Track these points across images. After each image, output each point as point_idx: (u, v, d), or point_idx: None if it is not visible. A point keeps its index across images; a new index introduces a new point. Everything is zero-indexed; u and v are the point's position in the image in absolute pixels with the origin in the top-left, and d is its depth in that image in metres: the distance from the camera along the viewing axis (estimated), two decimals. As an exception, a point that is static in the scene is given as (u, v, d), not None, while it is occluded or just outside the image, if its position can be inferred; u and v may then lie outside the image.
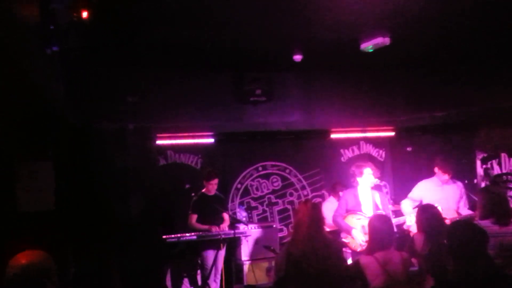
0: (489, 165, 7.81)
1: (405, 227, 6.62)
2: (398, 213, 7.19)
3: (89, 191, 5.79)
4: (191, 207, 7.19)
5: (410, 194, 6.92)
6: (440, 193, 6.60)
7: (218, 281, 7.16)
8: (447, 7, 4.95)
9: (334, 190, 7.90)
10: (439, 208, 5.66)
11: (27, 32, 3.31)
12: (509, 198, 5.16)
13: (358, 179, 6.47)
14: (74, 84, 5.28)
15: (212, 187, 7.20)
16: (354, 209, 6.41)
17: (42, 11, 3.49)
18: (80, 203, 5.68)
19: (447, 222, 5.85)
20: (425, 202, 6.47)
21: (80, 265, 5.55)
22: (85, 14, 4.00)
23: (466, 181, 7.76)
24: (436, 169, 6.76)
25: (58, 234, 5.30)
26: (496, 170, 7.77)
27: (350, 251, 6.51)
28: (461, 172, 7.54)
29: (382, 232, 4.52)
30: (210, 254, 7.05)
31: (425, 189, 6.78)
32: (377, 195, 6.49)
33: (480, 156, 7.92)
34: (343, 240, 6.49)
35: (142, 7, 4.68)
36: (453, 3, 4.86)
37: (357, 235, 6.17)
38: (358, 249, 6.24)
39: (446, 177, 6.66)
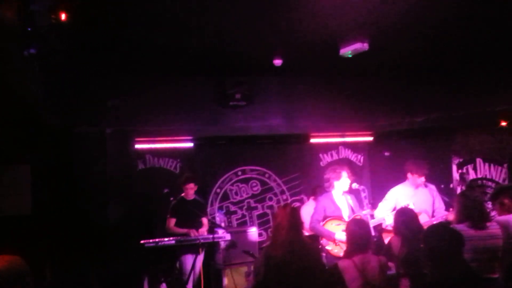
0: (464, 170, 7.93)
1: (384, 226, 6.65)
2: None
3: (67, 195, 5.73)
4: (170, 210, 7.17)
5: (385, 199, 6.94)
6: (413, 197, 6.66)
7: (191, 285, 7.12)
8: (425, 14, 5.02)
9: (314, 194, 7.91)
10: (411, 205, 5.78)
11: (5, 34, 3.27)
12: (484, 203, 5.23)
13: (336, 182, 6.47)
14: (53, 87, 5.23)
15: (188, 192, 7.18)
16: (334, 215, 6.41)
17: (21, 13, 3.46)
18: (58, 207, 5.61)
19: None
20: (399, 206, 6.51)
21: (57, 270, 5.48)
22: (63, 17, 3.98)
23: (442, 186, 7.87)
24: (408, 175, 6.78)
25: (35, 239, 5.23)
26: (472, 175, 7.89)
27: (327, 256, 6.49)
28: (437, 176, 7.64)
29: (360, 235, 4.55)
30: (188, 259, 7.02)
31: (399, 193, 6.83)
32: (349, 198, 6.53)
33: (456, 161, 8.04)
34: (326, 247, 6.45)
35: (123, 12, 4.67)
36: (431, 10, 4.93)
37: (342, 237, 6.12)
38: (341, 254, 6.23)
39: (421, 179, 6.69)
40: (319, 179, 8.60)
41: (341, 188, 6.47)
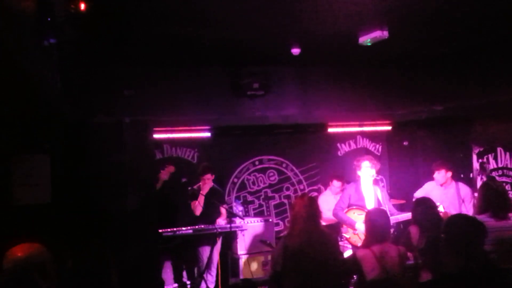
0: (485, 159, 7.84)
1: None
2: (395, 207, 7.23)
3: (85, 185, 5.78)
4: (189, 197, 7.20)
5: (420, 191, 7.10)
6: (443, 196, 6.73)
7: (214, 274, 7.18)
8: (445, 1, 4.94)
9: (338, 178, 7.90)
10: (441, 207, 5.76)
11: (24, 24, 3.28)
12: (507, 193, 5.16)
13: (358, 172, 6.50)
14: (70, 77, 5.25)
15: (204, 182, 7.20)
16: (357, 204, 6.42)
17: (39, 2, 3.47)
18: (77, 197, 5.66)
19: None
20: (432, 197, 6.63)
21: (77, 259, 5.53)
22: (82, 7, 3.99)
23: (462, 175, 7.80)
24: (436, 173, 6.86)
25: (54, 228, 5.28)
26: (492, 165, 7.80)
27: (350, 245, 6.51)
28: (457, 166, 7.57)
29: (379, 225, 4.54)
30: (205, 248, 7.06)
31: (429, 190, 6.95)
32: (378, 191, 6.50)
33: (476, 150, 7.95)
34: (344, 234, 6.49)
35: (139, 2, 4.66)
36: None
37: (362, 228, 6.12)
38: (359, 244, 6.25)
39: (449, 174, 6.80)
40: (337, 169, 8.60)
41: (364, 177, 6.45)
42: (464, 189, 6.91)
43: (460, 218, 3.71)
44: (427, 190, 7.07)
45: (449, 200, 6.73)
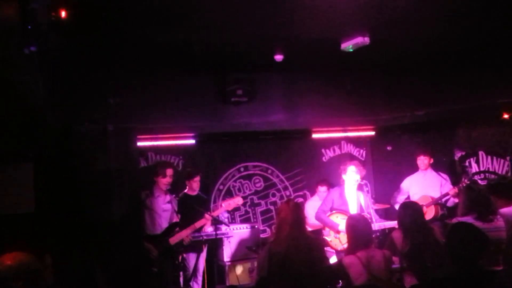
0: (467, 163, 7.94)
1: None
2: (379, 212, 7.28)
3: (70, 193, 5.72)
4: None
5: (400, 190, 7.56)
6: (423, 181, 7.29)
7: (200, 282, 7.14)
8: (427, 7, 5.00)
9: (322, 183, 7.96)
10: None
11: (6, 32, 3.27)
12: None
13: (344, 176, 6.54)
14: (54, 85, 5.22)
15: (193, 185, 7.17)
16: (340, 208, 6.45)
17: (21, 11, 3.45)
18: (61, 205, 5.61)
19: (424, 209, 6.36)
20: (411, 192, 7.23)
21: (61, 268, 5.48)
22: (63, 14, 3.97)
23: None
24: (421, 157, 7.41)
25: (38, 237, 5.23)
26: (474, 168, 7.89)
27: (333, 250, 6.54)
28: (439, 170, 7.64)
29: (360, 231, 4.55)
30: (191, 255, 7.03)
31: (410, 181, 7.44)
32: (362, 196, 6.55)
33: (458, 154, 8.04)
34: (325, 237, 6.53)
35: (123, 8, 4.66)
36: (432, 3, 4.92)
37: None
38: (339, 248, 6.29)
39: (431, 161, 7.37)
40: (322, 174, 8.62)
41: (348, 182, 6.50)
42: (443, 174, 7.42)
43: (466, 229, 3.61)
44: (406, 189, 7.46)
45: (430, 185, 7.25)
